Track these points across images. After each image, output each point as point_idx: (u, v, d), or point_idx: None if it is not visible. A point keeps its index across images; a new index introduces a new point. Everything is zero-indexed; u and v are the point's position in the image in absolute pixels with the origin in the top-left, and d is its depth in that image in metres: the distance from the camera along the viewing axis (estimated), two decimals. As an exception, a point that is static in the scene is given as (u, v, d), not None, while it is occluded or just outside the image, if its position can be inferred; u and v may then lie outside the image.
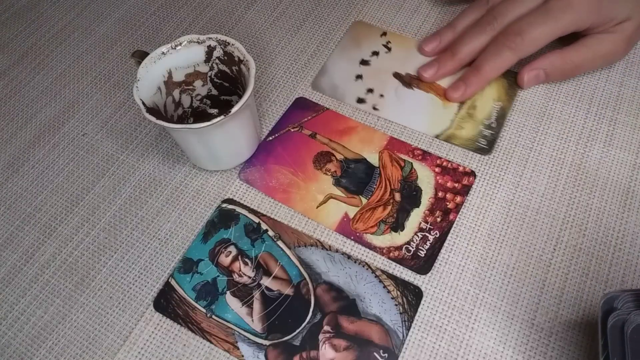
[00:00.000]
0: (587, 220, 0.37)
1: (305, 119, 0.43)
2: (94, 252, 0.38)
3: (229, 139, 0.38)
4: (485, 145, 0.41)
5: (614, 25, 0.40)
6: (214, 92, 0.41)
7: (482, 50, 0.42)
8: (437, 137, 0.41)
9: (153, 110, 0.36)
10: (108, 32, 0.51)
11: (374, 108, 0.43)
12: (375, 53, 0.46)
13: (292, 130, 0.43)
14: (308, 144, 0.42)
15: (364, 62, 0.46)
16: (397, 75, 0.45)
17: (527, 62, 0.42)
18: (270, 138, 0.42)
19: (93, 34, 0.51)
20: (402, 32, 0.48)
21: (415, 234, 0.37)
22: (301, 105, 0.44)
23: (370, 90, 0.44)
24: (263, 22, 0.50)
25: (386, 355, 0.33)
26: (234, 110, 0.34)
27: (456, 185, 0.39)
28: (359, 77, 0.45)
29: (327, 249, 0.37)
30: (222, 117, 0.34)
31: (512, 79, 0.44)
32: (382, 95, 0.44)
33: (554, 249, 0.36)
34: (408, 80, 0.44)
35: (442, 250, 0.36)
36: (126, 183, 0.41)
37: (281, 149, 0.42)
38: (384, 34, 0.48)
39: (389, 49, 0.46)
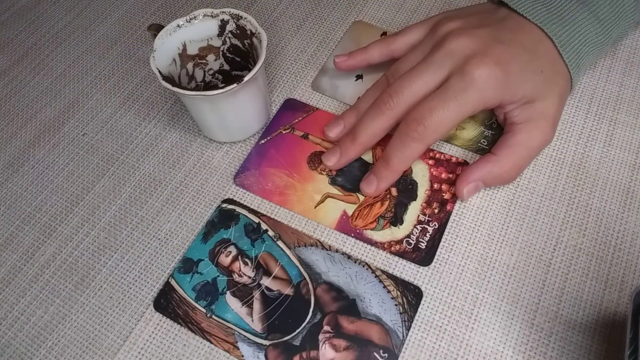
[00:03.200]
0: (587, 220, 0.37)
1: (296, 120, 0.43)
2: (94, 252, 0.38)
3: (240, 108, 0.39)
4: (487, 145, 0.41)
5: (524, 103, 0.36)
6: (226, 67, 0.43)
7: (385, 131, 0.38)
8: (437, 137, 0.41)
9: (168, 79, 0.37)
10: (108, 32, 0.51)
11: (374, 108, 0.43)
12: (375, 53, 0.46)
13: (284, 132, 0.43)
14: (301, 145, 0.42)
15: (364, 62, 0.46)
16: (397, 75, 0.45)
17: (462, 173, 0.38)
18: (263, 141, 0.42)
19: (93, 34, 0.51)
20: (402, 32, 0.48)
21: (415, 226, 0.37)
22: (291, 107, 0.44)
23: (370, 91, 0.44)
24: (263, 22, 0.50)
25: (386, 355, 0.33)
26: (246, 78, 0.36)
27: (451, 175, 0.39)
28: (359, 77, 0.45)
29: (327, 249, 0.37)
30: (234, 85, 0.35)
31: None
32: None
33: (554, 249, 0.36)
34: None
35: (442, 250, 0.37)
36: (126, 183, 0.41)
37: (274, 151, 0.42)
38: (384, 34, 0.48)
39: (389, 49, 0.46)
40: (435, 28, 0.39)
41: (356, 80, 0.45)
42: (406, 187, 0.39)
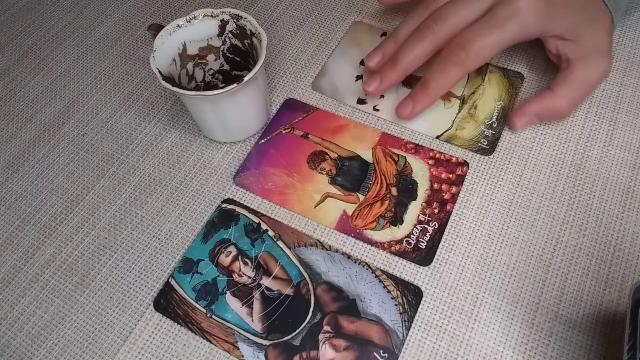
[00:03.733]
0: (587, 220, 0.37)
1: (296, 120, 0.43)
2: (94, 252, 0.38)
3: (240, 108, 0.39)
4: (487, 145, 0.41)
5: (572, 39, 0.38)
6: (226, 67, 0.43)
7: (426, 57, 0.40)
8: (438, 137, 0.41)
9: (168, 79, 0.37)
10: (108, 32, 0.51)
11: (375, 109, 0.43)
12: (375, 53, 0.46)
13: (284, 131, 0.43)
14: (301, 145, 0.42)
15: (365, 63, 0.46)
16: (397, 75, 0.45)
17: (518, 107, 0.40)
18: (263, 141, 0.42)
19: (93, 34, 0.51)
20: (402, 32, 0.48)
21: (415, 226, 0.37)
22: (291, 106, 0.44)
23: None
24: (263, 22, 0.50)
25: (386, 355, 0.33)
26: (246, 78, 0.36)
27: (450, 175, 0.39)
28: (359, 77, 0.45)
29: (327, 249, 0.37)
30: (234, 85, 0.35)
31: (513, 79, 0.44)
32: (382, 96, 0.44)
33: (554, 249, 0.36)
34: (408, 81, 0.44)
35: (442, 250, 0.36)
36: (126, 183, 0.41)
37: (274, 151, 0.42)
38: (384, 34, 0.48)
39: (389, 49, 0.46)
40: None
41: (356, 80, 0.45)
42: (406, 187, 0.39)
